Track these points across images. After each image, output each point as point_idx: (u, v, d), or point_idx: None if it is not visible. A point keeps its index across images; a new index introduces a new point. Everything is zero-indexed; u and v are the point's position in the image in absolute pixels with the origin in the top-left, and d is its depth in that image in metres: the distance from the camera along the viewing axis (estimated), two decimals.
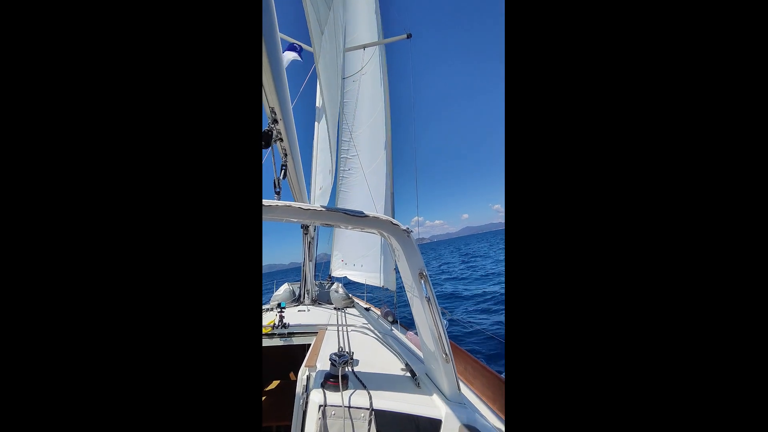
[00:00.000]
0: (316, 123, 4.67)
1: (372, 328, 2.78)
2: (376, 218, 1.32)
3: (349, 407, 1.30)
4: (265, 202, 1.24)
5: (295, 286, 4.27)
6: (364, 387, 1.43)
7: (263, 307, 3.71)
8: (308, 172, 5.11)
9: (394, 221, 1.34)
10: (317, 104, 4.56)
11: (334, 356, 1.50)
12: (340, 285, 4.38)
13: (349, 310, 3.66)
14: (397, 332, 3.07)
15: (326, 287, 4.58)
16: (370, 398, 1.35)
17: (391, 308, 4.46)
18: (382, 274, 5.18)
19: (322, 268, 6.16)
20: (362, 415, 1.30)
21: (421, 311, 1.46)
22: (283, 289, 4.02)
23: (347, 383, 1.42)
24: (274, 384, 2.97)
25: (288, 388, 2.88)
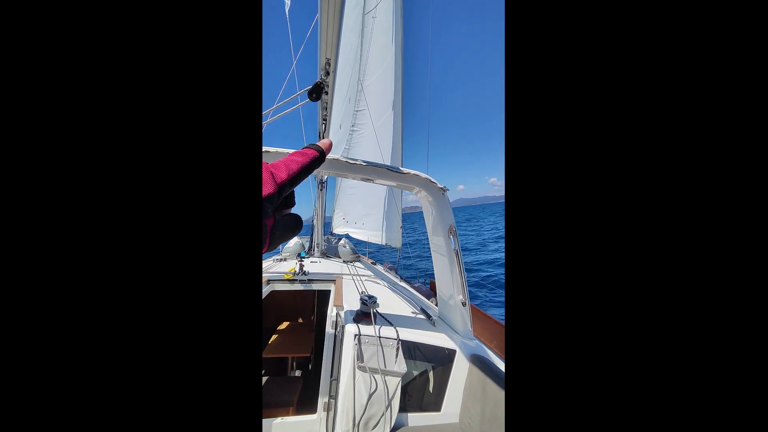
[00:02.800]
0: None
1: (382, 279, 3.03)
2: (416, 175, 1.42)
3: (380, 337, 1.52)
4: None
5: (305, 240, 4.45)
6: (390, 323, 1.65)
7: (276, 257, 3.92)
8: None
9: (432, 179, 1.44)
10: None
11: (365, 297, 1.70)
12: (347, 241, 4.58)
13: (356, 263, 3.90)
14: (403, 283, 3.34)
15: (333, 242, 4.79)
16: (397, 331, 1.57)
17: (394, 264, 4.74)
18: (384, 233, 5.38)
19: (323, 226, 6.34)
20: (391, 343, 1.53)
21: (445, 262, 1.63)
22: (294, 242, 4.19)
23: (375, 319, 1.64)
24: (285, 325, 3.27)
25: (297, 328, 3.19)
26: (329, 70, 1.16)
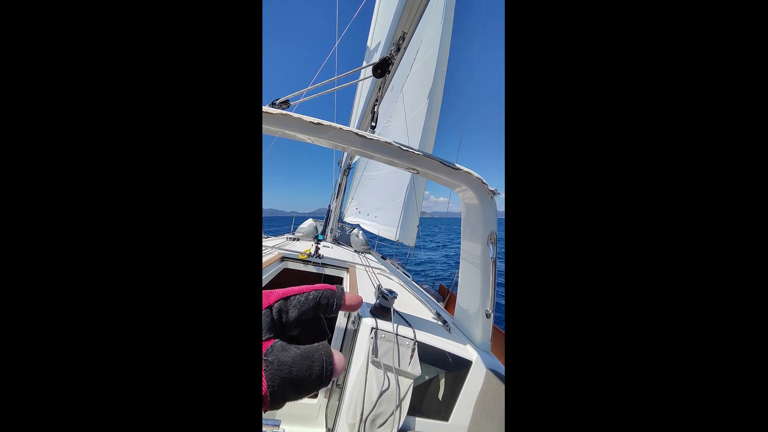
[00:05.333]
0: (365, 62, 4.39)
1: (395, 275, 2.96)
2: (468, 172, 1.33)
3: (397, 334, 1.46)
4: (366, 134, 1.24)
5: (319, 224, 4.42)
6: (408, 323, 1.58)
7: (289, 235, 3.90)
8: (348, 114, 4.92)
9: (484, 180, 1.36)
10: (368, 43, 4.28)
11: (386, 291, 1.64)
12: (360, 231, 4.53)
13: (367, 255, 3.85)
14: (414, 283, 3.27)
15: (347, 231, 4.75)
16: (414, 331, 1.50)
17: (402, 262, 4.68)
18: (399, 229, 5.31)
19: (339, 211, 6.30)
20: (407, 343, 1.46)
21: (476, 269, 1.55)
22: (308, 224, 4.17)
23: (393, 316, 1.57)
24: None
25: None
26: (401, 45, 1.08)
